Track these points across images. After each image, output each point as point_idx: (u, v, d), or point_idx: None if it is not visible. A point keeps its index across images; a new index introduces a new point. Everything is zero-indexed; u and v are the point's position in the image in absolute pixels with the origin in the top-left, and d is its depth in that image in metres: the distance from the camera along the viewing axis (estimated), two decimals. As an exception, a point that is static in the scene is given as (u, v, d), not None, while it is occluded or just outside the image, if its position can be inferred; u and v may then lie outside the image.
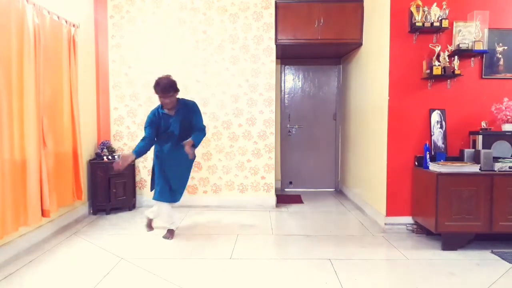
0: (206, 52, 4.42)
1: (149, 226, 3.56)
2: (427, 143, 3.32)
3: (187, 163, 3.27)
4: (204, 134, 3.26)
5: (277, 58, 5.03)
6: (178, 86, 4.41)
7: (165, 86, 2.98)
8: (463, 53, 3.36)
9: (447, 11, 3.33)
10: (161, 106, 3.13)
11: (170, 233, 3.35)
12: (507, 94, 3.41)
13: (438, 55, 3.35)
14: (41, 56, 3.05)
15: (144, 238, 3.35)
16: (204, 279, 2.51)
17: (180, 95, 4.39)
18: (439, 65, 3.31)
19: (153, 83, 4.34)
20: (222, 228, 3.68)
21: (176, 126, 3.13)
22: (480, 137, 3.28)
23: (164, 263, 2.76)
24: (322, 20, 4.34)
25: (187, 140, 3.06)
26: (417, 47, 3.46)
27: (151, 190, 3.40)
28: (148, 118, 3.16)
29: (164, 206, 3.32)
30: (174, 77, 4.37)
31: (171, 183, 3.24)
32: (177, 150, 3.13)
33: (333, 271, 2.62)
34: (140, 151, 3.07)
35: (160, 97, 3.03)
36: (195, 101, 3.38)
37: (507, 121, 3.29)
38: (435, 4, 3.33)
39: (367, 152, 4.18)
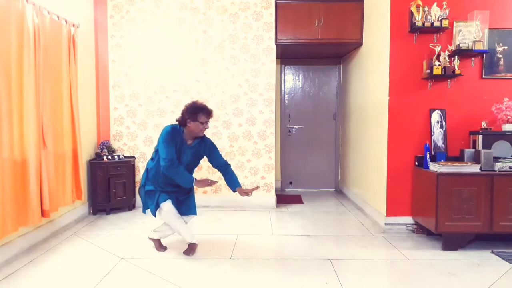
0: (206, 52, 4.42)
1: (160, 246, 3.03)
2: (427, 143, 3.32)
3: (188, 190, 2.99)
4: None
5: (277, 58, 5.03)
6: (178, 86, 4.46)
7: (211, 110, 2.76)
8: (463, 53, 3.35)
9: (447, 11, 3.33)
10: (182, 131, 2.77)
11: (192, 248, 2.91)
12: (507, 94, 3.41)
13: (438, 55, 3.35)
14: (41, 56, 3.04)
15: (144, 238, 3.34)
16: (204, 279, 2.50)
17: (180, 95, 4.42)
18: (439, 65, 3.31)
19: (152, 82, 4.42)
20: (222, 228, 3.67)
21: (188, 158, 2.83)
22: (481, 137, 3.27)
23: (164, 263, 2.76)
24: (322, 20, 4.33)
25: (240, 189, 2.84)
26: (417, 47, 3.45)
27: (144, 210, 2.97)
28: (168, 133, 2.70)
29: (172, 215, 2.82)
30: (173, 77, 4.42)
31: (178, 196, 2.89)
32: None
33: (333, 271, 2.62)
34: (186, 175, 2.75)
35: (200, 122, 2.71)
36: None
37: (507, 121, 3.29)
38: (435, 4, 3.33)
39: (367, 152, 4.18)
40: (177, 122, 2.81)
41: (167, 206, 2.80)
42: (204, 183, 2.81)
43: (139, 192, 3.00)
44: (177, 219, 2.86)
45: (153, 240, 3.05)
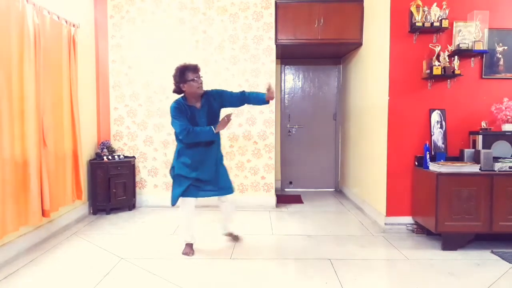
0: (206, 52, 4.42)
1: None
2: (427, 143, 3.32)
3: (218, 159, 2.97)
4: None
5: (277, 58, 5.03)
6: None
7: (195, 65, 2.79)
8: (463, 53, 3.35)
9: (447, 11, 3.33)
10: (185, 99, 2.81)
11: (189, 248, 2.96)
12: (507, 94, 3.41)
13: (438, 55, 3.35)
14: (41, 56, 3.04)
15: (144, 238, 3.35)
16: (204, 279, 2.51)
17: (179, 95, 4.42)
18: (439, 65, 3.31)
19: (153, 83, 4.42)
20: (222, 228, 3.68)
21: (204, 120, 2.82)
22: (480, 137, 3.27)
23: (164, 263, 2.76)
24: (322, 20, 4.34)
25: (268, 92, 2.79)
26: (417, 47, 3.45)
27: (174, 203, 2.89)
28: (175, 109, 2.75)
29: (189, 210, 2.90)
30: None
31: (205, 179, 2.85)
32: (207, 148, 2.84)
33: (333, 271, 2.62)
34: (204, 129, 2.73)
35: (191, 80, 2.71)
36: None
37: (507, 121, 3.29)
38: (435, 4, 3.33)
39: (367, 152, 4.18)
40: (179, 95, 2.86)
41: (190, 202, 2.88)
42: (223, 124, 2.74)
43: (170, 172, 2.98)
44: (190, 216, 2.92)
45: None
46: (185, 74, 2.73)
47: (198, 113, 2.80)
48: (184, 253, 2.93)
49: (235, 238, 3.28)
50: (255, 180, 4.51)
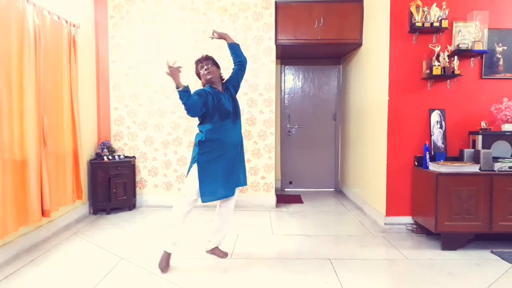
0: (206, 52, 4.38)
1: (221, 252, 2.91)
2: (427, 143, 3.33)
3: (241, 146, 2.88)
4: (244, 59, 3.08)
5: (277, 58, 5.03)
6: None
7: (201, 57, 3.01)
8: (463, 53, 3.36)
9: (446, 11, 3.33)
10: (208, 87, 2.88)
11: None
12: (506, 94, 3.41)
13: (438, 55, 3.36)
14: (41, 56, 3.05)
15: (144, 238, 3.36)
16: (204, 279, 2.51)
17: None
18: (438, 65, 3.32)
19: (153, 83, 4.43)
20: (222, 228, 3.68)
21: (229, 103, 2.84)
22: (480, 137, 3.28)
23: (164, 263, 2.76)
24: (322, 20, 4.34)
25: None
26: (417, 47, 3.46)
27: (203, 198, 2.62)
28: (195, 91, 2.79)
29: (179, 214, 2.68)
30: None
31: (229, 169, 2.72)
32: (234, 131, 2.83)
33: (333, 271, 2.62)
34: (191, 96, 2.69)
35: (200, 68, 2.94)
36: None
37: (507, 121, 3.30)
38: (435, 4, 3.33)
39: (367, 152, 4.18)
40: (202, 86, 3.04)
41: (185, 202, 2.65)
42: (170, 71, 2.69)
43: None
44: (179, 221, 2.65)
45: (212, 250, 2.92)
46: (196, 68, 3.00)
47: (223, 96, 2.90)
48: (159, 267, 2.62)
49: (220, 254, 2.91)
50: (255, 180, 4.52)
